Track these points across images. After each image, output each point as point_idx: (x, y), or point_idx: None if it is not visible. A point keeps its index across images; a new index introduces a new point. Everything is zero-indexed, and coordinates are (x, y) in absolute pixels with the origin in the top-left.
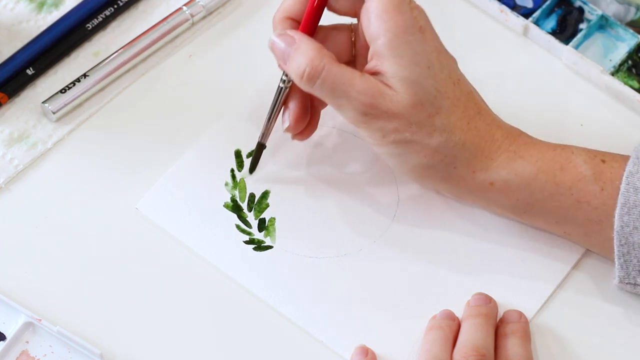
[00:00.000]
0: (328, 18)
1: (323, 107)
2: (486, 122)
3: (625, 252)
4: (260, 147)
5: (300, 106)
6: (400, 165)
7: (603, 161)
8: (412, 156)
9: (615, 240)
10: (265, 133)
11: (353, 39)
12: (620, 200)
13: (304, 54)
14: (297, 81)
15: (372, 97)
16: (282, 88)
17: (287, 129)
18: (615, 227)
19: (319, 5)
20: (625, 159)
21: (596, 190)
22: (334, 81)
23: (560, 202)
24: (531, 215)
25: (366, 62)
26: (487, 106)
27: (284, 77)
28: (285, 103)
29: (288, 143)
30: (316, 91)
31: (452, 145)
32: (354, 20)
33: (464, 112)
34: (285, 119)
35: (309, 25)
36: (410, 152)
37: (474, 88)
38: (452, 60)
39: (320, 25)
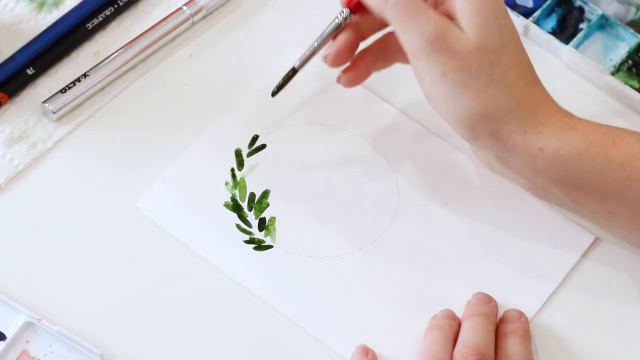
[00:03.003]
0: None
1: (377, 68)
2: (542, 91)
3: None
4: (293, 72)
5: (347, 43)
6: (452, 111)
7: None
8: (466, 102)
9: None
10: (303, 61)
11: None
12: None
13: None
14: None
15: (441, 29)
16: (336, 24)
17: (326, 57)
18: None
19: None
20: None
21: None
22: (409, 3)
23: (611, 177)
24: (578, 190)
25: None
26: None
27: (345, 12)
28: (334, 37)
29: (288, 143)
30: (389, 9)
31: (507, 99)
32: None
33: (523, 74)
34: (327, 48)
35: None
36: (466, 98)
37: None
38: (517, 31)
39: None
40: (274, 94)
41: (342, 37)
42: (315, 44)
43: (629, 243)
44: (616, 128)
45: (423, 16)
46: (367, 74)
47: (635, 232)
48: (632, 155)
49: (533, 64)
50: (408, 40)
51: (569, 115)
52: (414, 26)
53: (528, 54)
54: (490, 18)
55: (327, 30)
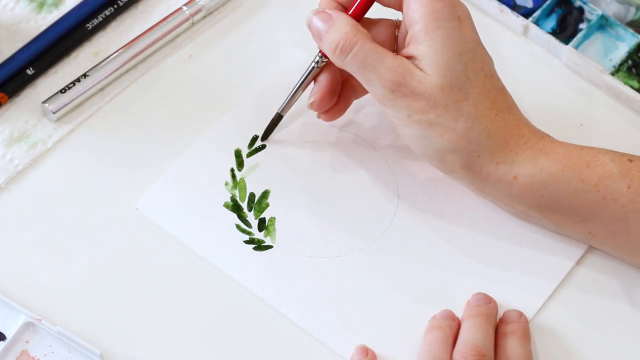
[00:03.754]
0: (375, 12)
1: (356, 97)
2: (515, 118)
3: None
4: (278, 117)
5: (329, 86)
6: (424, 148)
7: (630, 160)
8: (436, 139)
9: None
10: (286, 106)
11: (396, 34)
12: None
13: (339, 29)
14: (330, 54)
15: (401, 75)
16: (313, 67)
17: (311, 104)
18: None
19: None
20: None
21: (623, 187)
22: (365, 56)
23: (586, 199)
24: (556, 214)
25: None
26: (517, 107)
27: (317, 58)
28: (315, 80)
29: (288, 143)
30: (347, 65)
31: (477, 133)
32: (400, 17)
33: (493, 103)
34: (312, 95)
35: (356, 13)
36: (435, 135)
37: (506, 89)
38: (489, 57)
39: (365, 18)
40: (263, 139)
41: (323, 80)
42: (296, 87)
43: (615, 257)
44: (590, 149)
45: (381, 66)
46: (346, 106)
47: (616, 250)
48: (605, 175)
49: (533, 65)
50: (371, 89)
51: (542, 138)
52: (374, 77)
53: (528, 54)
54: (453, 57)
55: (305, 75)
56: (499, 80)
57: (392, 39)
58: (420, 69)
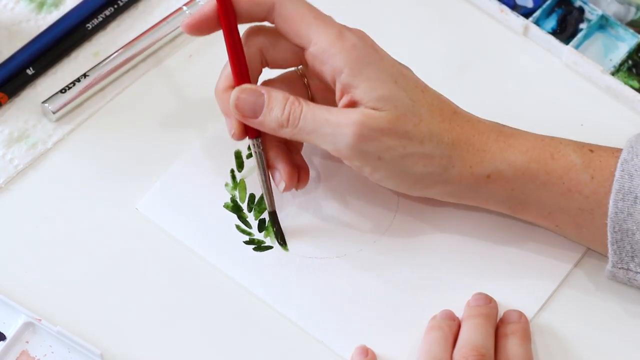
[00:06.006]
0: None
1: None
2: (466, 119)
3: (619, 239)
4: (274, 215)
5: (288, 162)
6: (403, 182)
7: (591, 151)
8: (412, 170)
9: (609, 227)
10: (270, 200)
11: (306, 82)
12: (615, 186)
13: (277, 100)
14: (277, 128)
15: (359, 119)
16: (258, 153)
17: (286, 189)
18: (609, 213)
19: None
20: (612, 149)
21: (586, 178)
22: (316, 117)
23: (553, 191)
24: (525, 207)
25: (324, 101)
26: (457, 105)
27: (255, 142)
28: (269, 166)
29: None
30: (301, 132)
31: (443, 148)
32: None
33: (442, 114)
34: (278, 182)
35: (243, 73)
36: (409, 166)
37: (439, 92)
38: (409, 70)
39: (272, 79)
40: (283, 244)
41: (277, 162)
42: (263, 182)
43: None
44: (552, 139)
45: (336, 120)
46: (307, 166)
47: (584, 240)
48: (569, 167)
49: (533, 65)
50: (331, 148)
51: (499, 129)
52: (333, 132)
53: (528, 54)
54: (391, 86)
55: (261, 167)
56: (430, 88)
57: (305, 89)
58: (372, 109)
